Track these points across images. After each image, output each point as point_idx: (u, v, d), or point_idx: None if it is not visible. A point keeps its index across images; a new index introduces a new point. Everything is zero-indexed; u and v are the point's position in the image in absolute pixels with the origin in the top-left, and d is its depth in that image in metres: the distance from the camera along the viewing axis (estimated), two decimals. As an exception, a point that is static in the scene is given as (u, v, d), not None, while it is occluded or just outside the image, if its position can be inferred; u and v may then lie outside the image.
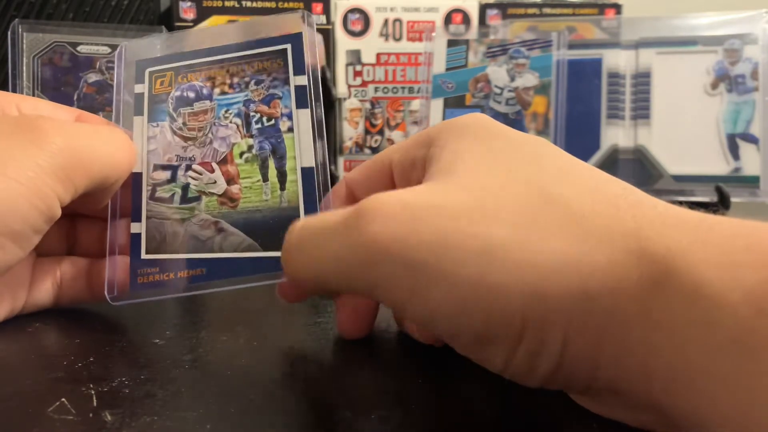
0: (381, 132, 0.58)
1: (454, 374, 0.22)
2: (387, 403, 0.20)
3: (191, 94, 0.30)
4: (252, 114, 0.30)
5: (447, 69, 0.46)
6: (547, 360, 0.16)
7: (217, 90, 0.30)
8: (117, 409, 0.20)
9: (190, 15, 0.53)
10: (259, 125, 0.30)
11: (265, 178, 0.29)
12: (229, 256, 0.28)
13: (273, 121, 0.29)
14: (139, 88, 0.30)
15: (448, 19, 0.57)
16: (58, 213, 0.24)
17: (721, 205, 0.47)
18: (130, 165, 0.28)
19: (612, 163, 0.51)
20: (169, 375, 0.22)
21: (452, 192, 0.18)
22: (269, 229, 0.28)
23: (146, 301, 0.27)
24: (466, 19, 0.57)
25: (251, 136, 0.29)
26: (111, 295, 0.27)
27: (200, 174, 0.29)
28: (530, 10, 0.58)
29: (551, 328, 0.15)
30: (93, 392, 0.21)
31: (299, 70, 0.30)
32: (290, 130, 0.29)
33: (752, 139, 0.48)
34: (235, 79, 0.30)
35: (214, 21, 0.52)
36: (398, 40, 0.57)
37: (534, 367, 0.16)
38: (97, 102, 0.44)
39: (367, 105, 0.57)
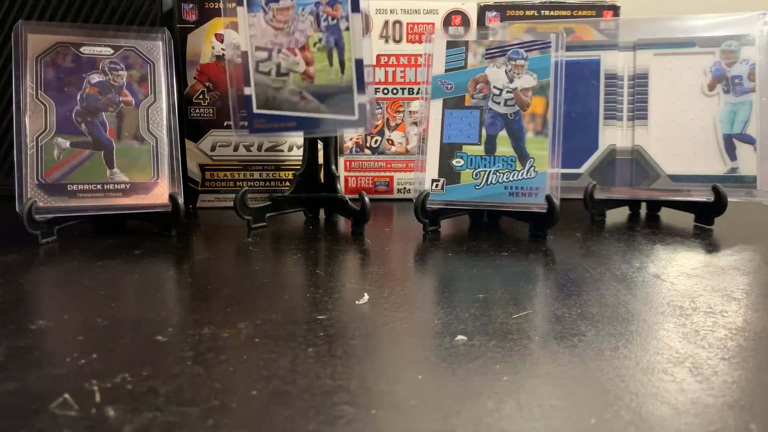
0: (381, 132, 0.58)
1: (451, 370, 0.23)
2: (386, 399, 0.21)
3: None
4: (321, 13, 0.41)
5: (446, 70, 0.47)
6: None
7: None
8: (119, 404, 0.20)
9: (192, 17, 0.53)
10: (326, 23, 0.41)
11: (331, 64, 0.41)
12: (310, 116, 0.42)
13: (335, 21, 0.41)
14: None
15: (447, 21, 0.57)
16: None
17: (717, 204, 0.47)
18: None
19: (610, 164, 0.51)
20: (172, 371, 0.22)
21: None
22: (334, 99, 0.41)
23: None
24: (466, 21, 0.58)
25: (321, 31, 0.41)
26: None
27: (287, 56, 0.42)
28: (529, 12, 0.58)
29: None
30: (96, 388, 0.21)
31: None
32: (347, 29, 0.41)
33: (749, 140, 0.49)
34: None
35: (216, 23, 0.53)
36: (398, 41, 0.57)
37: None
38: (101, 102, 0.45)
39: (367, 106, 0.58)
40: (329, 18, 0.41)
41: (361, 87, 0.42)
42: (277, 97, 0.42)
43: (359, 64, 0.41)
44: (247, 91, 0.42)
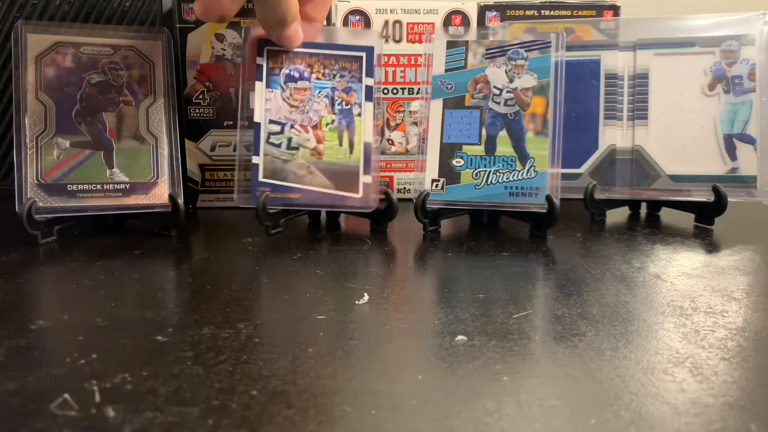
0: (381, 132, 0.58)
1: (449, 369, 0.23)
2: (386, 399, 0.21)
3: (296, 74, 0.44)
4: (336, 98, 0.44)
5: (446, 70, 0.47)
6: None
7: (313, 75, 0.44)
8: (119, 404, 0.20)
9: (192, 16, 0.53)
10: (340, 107, 0.45)
11: (340, 144, 0.44)
12: (315, 189, 0.44)
13: (349, 106, 0.44)
14: (260, 61, 0.44)
15: (447, 21, 0.57)
16: None
17: (718, 204, 0.47)
18: None
19: (610, 164, 0.51)
20: (171, 371, 0.22)
21: None
22: (340, 176, 0.44)
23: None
24: (466, 21, 0.58)
25: (334, 113, 0.44)
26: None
27: (299, 132, 0.44)
28: (529, 12, 0.58)
29: None
30: (96, 388, 0.21)
31: (369, 73, 0.45)
32: (359, 115, 0.45)
33: (749, 140, 0.48)
34: (326, 70, 0.45)
35: (216, 23, 0.53)
36: (398, 41, 0.57)
37: None
38: (100, 102, 0.45)
39: (367, 106, 0.57)
40: (343, 103, 0.45)
41: (368, 168, 0.44)
42: (284, 169, 0.44)
43: (368, 146, 0.45)
44: (255, 160, 0.44)
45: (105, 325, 0.27)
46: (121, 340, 0.25)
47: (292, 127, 0.44)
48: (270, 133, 0.44)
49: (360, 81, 0.45)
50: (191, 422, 0.19)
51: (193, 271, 0.36)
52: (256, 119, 0.44)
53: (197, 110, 0.54)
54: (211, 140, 0.55)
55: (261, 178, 0.43)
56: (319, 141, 0.44)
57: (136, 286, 0.33)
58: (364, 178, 0.45)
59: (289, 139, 0.44)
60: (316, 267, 0.36)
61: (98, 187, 0.43)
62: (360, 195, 0.44)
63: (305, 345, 0.25)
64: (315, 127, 0.44)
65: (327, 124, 0.44)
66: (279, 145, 0.44)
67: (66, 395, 0.20)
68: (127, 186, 0.44)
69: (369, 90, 0.45)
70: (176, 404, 0.20)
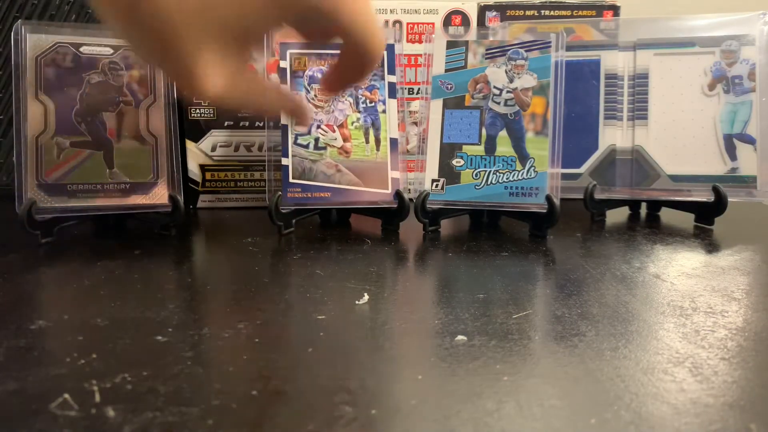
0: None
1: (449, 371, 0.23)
2: (386, 399, 0.21)
3: (320, 75, 0.45)
4: (360, 96, 0.46)
5: (446, 70, 0.47)
6: None
7: None
8: (119, 404, 0.20)
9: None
10: (364, 105, 0.46)
11: (367, 141, 0.46)
12: (344, 187, 0.45)
13: (373, 104, 0.46)
14: (283, 64, 0.45)
15: (447, 21, 0.57)
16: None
17: (718, 204, 0.47)
18: None
19: (610, 164, 0.51)
20: (171, 371, 0.22)
21: None
22: (368, 173, 0.45)
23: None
24: (466, 21, 0.58)
25: (359, 112, 0.46)
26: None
27: (326, 132, 0.45)
28: (529, 12, 0.58)
29: None
30: (96, 388, 0.21)
31: (391, 71, 0.46)
32: (384, 111, 0.46)
33: (749, 140, 0.48)
34: None
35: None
36: (398, 41, 0.57)
37: None
38: (100, 102, 0.45)
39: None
40: (367, 101, 0.46)
41: (395, 163, 0.46)
42: (313, 169, 0.45)
43: (394, 142, 0.46)
44: (285, 161, 0.44)
45: (105, 325, 0.27)
46: (121, 340, 0.25)
47: (318, 127, 0.45)
48: (297, 135, 0.45)
49: (383, 79, 0.46)
50: (191, 422, 0.19)
51: (193, 271, 0.36)
52: (283, 121, 0.45)
53: (197, 110, 0.54)
54: (212, 140, 0.55)
55: (291, 179, 0.44)
56: (345, 139, 0.45)
57: (136, 286, 0.33)
58: (392, 174, 0.46)
59: (316, 139, 0.45)
60: (316, 267, 0.36)
61: (98, 187, 0.43)
62: (389, 190, 0.45)
63: (305, 345, 0.25)
64: (341, 126, 0.45)
65: (352, 123, 0.46)
66: (306, 146, 0.45)
67: (66, 395, 0.20)
68: (127, 186, 0.44)
69: (392, 87, 0.46)
70: (176, 404, 0.20)
